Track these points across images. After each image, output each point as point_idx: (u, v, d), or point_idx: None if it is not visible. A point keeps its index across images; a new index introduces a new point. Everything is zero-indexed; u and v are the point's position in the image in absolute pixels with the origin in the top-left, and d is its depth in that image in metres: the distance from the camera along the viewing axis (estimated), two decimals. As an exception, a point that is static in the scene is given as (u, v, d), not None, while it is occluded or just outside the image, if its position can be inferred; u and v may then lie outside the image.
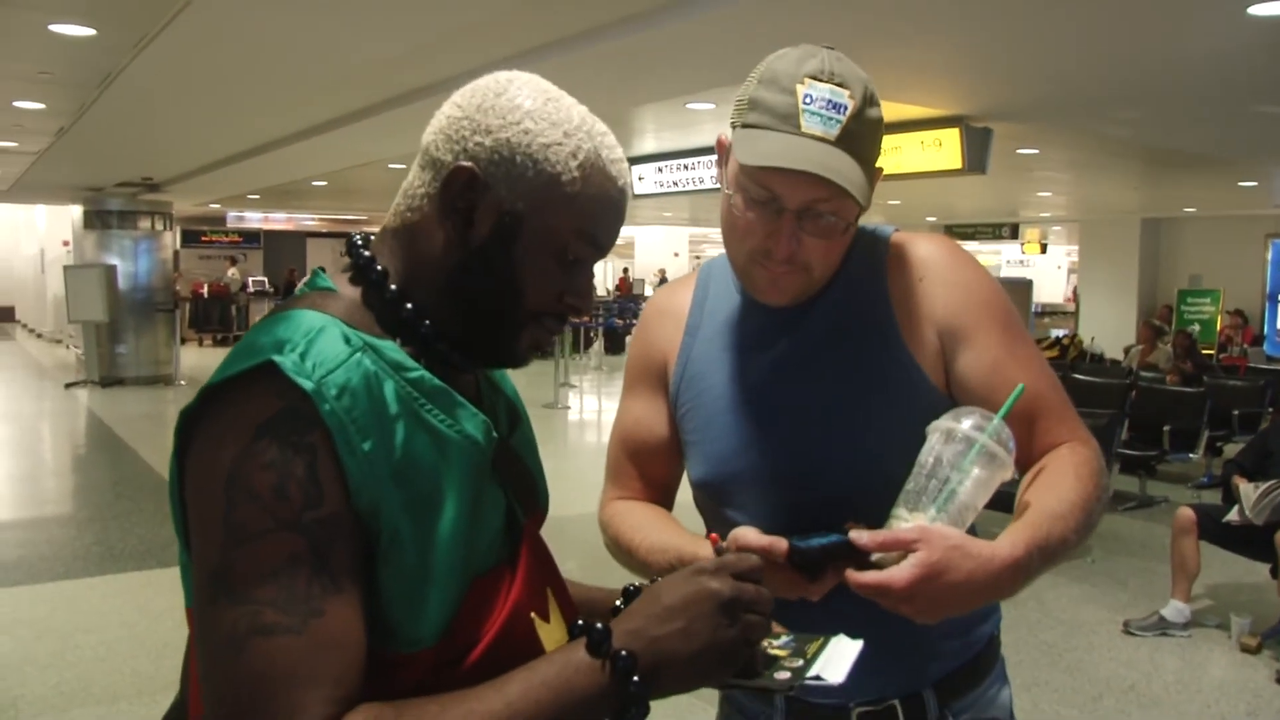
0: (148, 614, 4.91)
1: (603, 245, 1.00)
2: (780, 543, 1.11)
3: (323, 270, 1.02)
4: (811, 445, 1.29)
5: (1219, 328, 15.40)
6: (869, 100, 1.20)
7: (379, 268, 0.98)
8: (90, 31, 5.26)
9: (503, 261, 0.96)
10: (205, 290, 21.65)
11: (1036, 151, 9.41)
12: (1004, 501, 1.19)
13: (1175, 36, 4.85)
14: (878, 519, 1.15)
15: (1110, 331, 15.38)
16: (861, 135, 1.19)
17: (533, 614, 0.99)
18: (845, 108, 1.17)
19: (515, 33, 5.09)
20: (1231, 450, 7.49)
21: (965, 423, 1.11)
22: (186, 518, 0.89)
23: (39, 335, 22.32)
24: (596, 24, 4.95)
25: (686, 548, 1.27)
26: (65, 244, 17.85)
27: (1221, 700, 4.17)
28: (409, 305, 0.97)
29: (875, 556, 1.07)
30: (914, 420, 1.17)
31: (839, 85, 1.18)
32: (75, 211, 14.76)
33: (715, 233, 28.95)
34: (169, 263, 15.11)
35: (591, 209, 0.97)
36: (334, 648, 0.82)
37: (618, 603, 1.13)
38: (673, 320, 1.44)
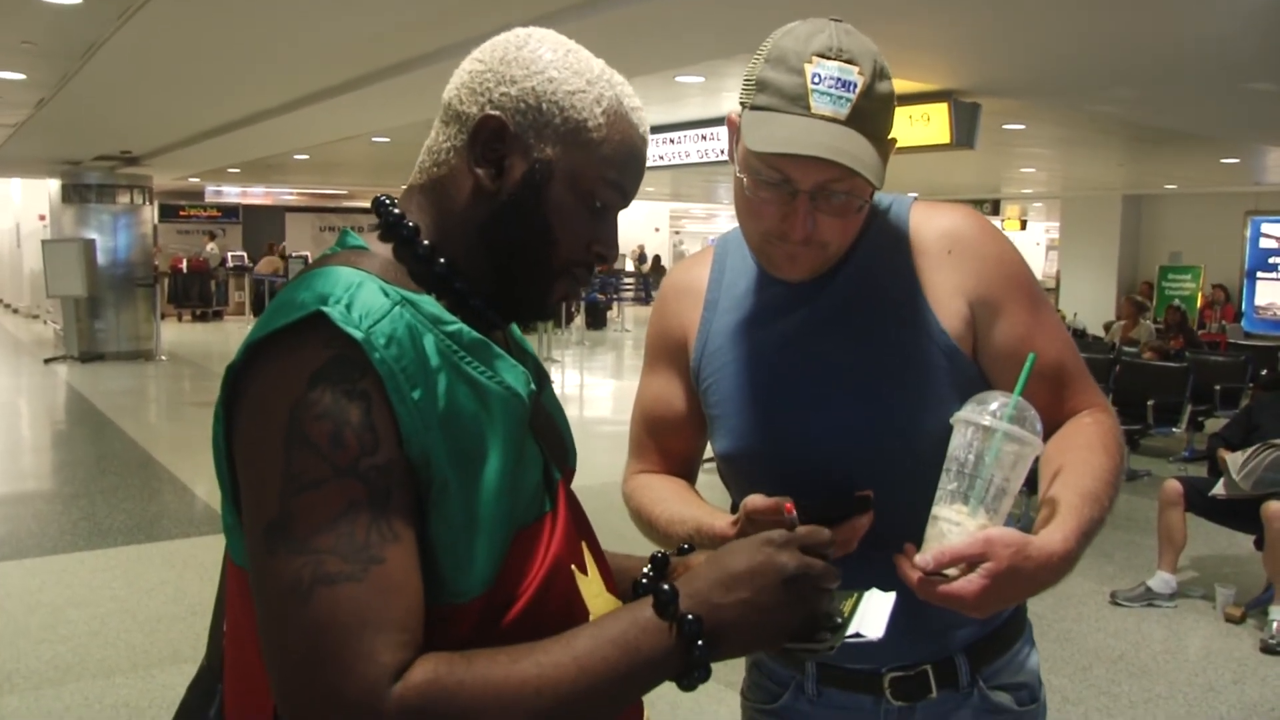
0: (138, 588, 4.89)
1: (628, 192, 1.01)
2: (784, 501, 1.11)
3: (352, 229, 1.02)
4: (836, 415, 1.29)
5: (1199, 304, 15.53)
6: (879, 74, 1.18)
7: (409, 224, 0.98)
8: (76, 1, 5.19)
9: (535, 210, 0.96)
10: (185, 265, 21.47)
11: (1023, 127, 9.43)
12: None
13: (1168, 14, 4.86)
14: (903, 486, 1.16)
15: (1090, 307, 15.50)
16: (872, 112, 1.17)
17: (572, 566, 0.99)
18: (855, 85, 1.16)
19: (501, 7, 5.05)
20: (1214, 425, 7.57)
21: (989, 409, 1.10)
22: (234, 475, 0.89)
23: (15, 310, 22.09)
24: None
25: (705, 519, 1.27)
26: (41, 218, 17.63)
27: (1208, 669, 4.24)
28: (441, 261, 0.97)
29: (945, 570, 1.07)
30: (941, 389, 1.18)
31: (848, 62, 1.16)
32: (52, 185, 14.60)
33: (696, 208, 28.89)
34: (148, 237, 14.97)
35: (617, 155, 0.98)
36: (396, 593, 0.82)
37: (645, 569, 1.14)
38: (690, 297, 1.43)
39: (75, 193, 14.11)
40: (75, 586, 4.96)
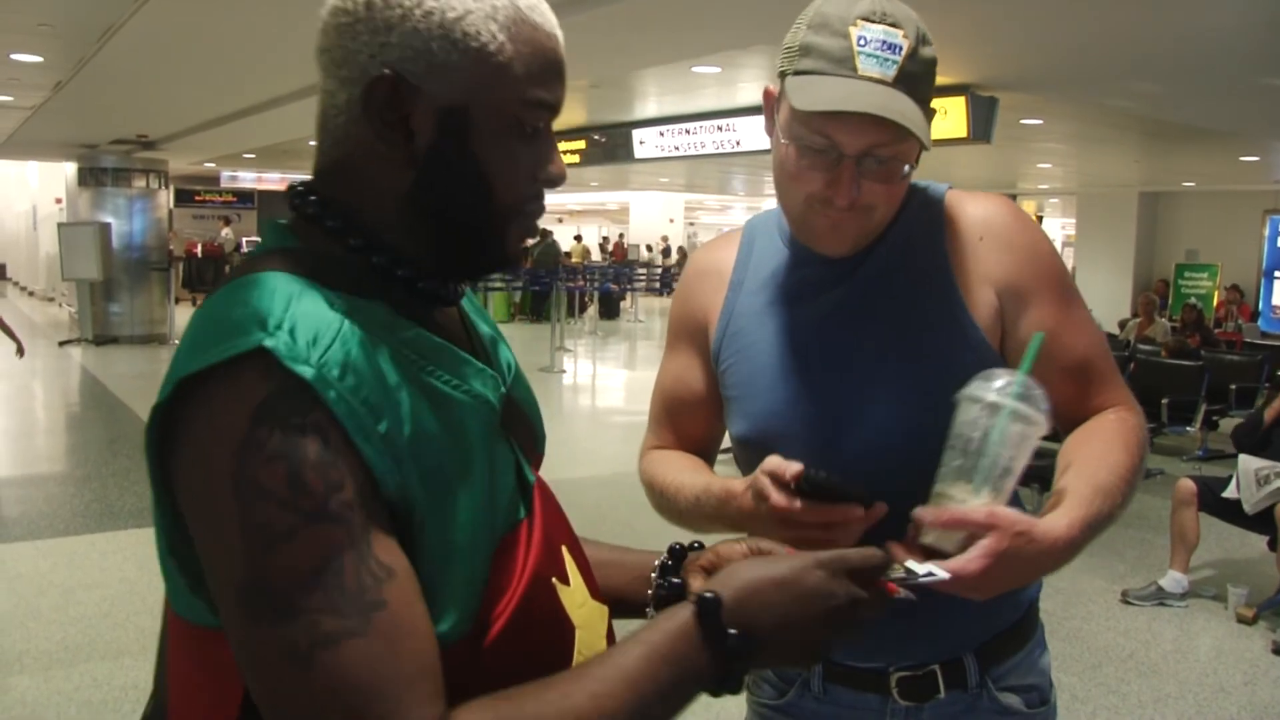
0: (148, 570, 4.90)
1: (555, 103, 0.89)
2: (795, 465, 1.11)
3: (279, 222, 0.91)
4: (859, 400, 1.27)
5: (1216, 303, 15.43)
6: (922, 39, 1.18)
7: (334, 215, 0.88)
8: (93, -17, 5.19)
9: (461, 162, 0.85)
10: (199, 250, 21.55)
11: (1040, 122, 9.37)
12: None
13: (1186, 7, 4.82)
14: (924, 476, 1.14)
15: (1105, 305, 15.42)
16: (917, 75, 1.17)
17: (553, 579, 0.93)
18: (900, 48, 1.15)
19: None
20: (1228, 424, 7.52)
21: (994, 385, 1.09)
22: (176, 522, 0.80)
23: (31, 293, 22.20)
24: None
25: (715, 480, 1.27)
26: (58, 201, 17.71)
27: (1218, 669, 4.21)
28: (378, 251, 0.87)
29: (929, 538, 1.05)
30: (965, 377, 1.17)
31: (892, 25, 1.16)
32: (69, 168, 14.65)
33: (711, 199, 28.82)
34: (164, 221, 15.01)
35: (532, 68, 0.86)
36: (408, 637, 0.75)
37: (661, 560, 1.10)
38: (714, 278, 1.42)
39: (91, 176, 14.16)
40: (86, 568, 4.99)
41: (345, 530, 0.74)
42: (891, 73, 1.15)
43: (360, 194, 0.87)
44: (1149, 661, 4.27)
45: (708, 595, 0.84)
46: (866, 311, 1.29)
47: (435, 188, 0.86)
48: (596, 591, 1.00)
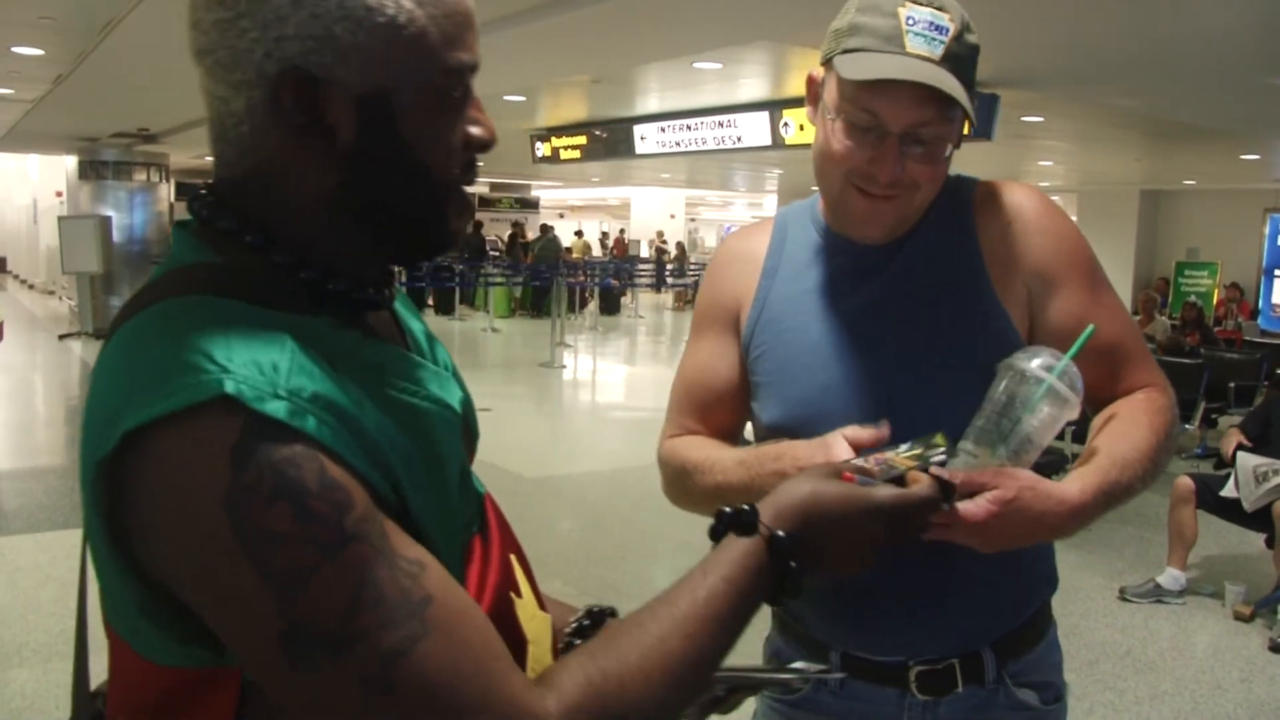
0: (150, 564, 4.91)
1: (475, 63, 0.82)
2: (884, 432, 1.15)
3: (190, 232, 0.82)
4: (892, 389, 1.28)
5: (1216, 301, 15.43)
6: (966, 26, 1.22)
7: (253, 230, 0.80)
8: (94, -24, 5.19)
9: (392, 150, 0.78)
10: (199, 243, 21.48)
11: (1041, 120, 9.36)
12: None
13: (1188, 6, 4.82)
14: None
15: (1106, 302, 15.38)
16: (963, 57, 1.20)
17: (510, 594, 0.90)
18: (947, 30, 1.19)
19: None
20: (1227, 422, 7.54)
21: (1035, 362, 1.12)
22: (141, 577, 0.73)
23: (31, 286, 22.20)
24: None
25: (793, 444, 1.24)
26: (58, 194, 17.70)
27: (1215, 666, 4.23)
28: (306, 271, 0.80)
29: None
30: (994, 363, 1.19)
31: (939, 9, 1.20)
32: (69, 162, 14.63)
33: (712, 194, 28.72)
34: (165, 215, 15.00)
35: (446, 32, 0.78)
36: (465, 620, 0.73)
37: (578, 621, 1.05)
38: (747, 264, 1.42)
39: (92, 169, 14.15)
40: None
41: (368, 545, 0.70)
42: (939, 51, 1.18)
43: (282, 204, 0.80)
44: (1146, 658, 4.28)
45: (779, 534, 0.87)
46: (900, 300, 1.31)
47: (368, 183, 0.79)
48: (542, 602, 0.98)
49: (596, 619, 1.04)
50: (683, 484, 1.38)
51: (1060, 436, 1.16)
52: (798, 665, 1.06)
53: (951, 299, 1.30)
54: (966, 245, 1.31)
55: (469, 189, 0.85)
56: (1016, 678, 1.35)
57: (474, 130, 0.83)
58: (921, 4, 1.19)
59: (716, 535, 0.88)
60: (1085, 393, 1.13)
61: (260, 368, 0.69)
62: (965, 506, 1.05)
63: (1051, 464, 4.91)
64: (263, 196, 0.80)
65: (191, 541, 0.68)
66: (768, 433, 1.39)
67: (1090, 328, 1.17)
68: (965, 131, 1.27)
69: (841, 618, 1.34)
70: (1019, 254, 1.30)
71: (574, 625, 1.04)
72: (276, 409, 0.68)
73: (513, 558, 0.94)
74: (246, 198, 0.80)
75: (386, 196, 0.80)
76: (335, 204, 0.80)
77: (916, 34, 1.18)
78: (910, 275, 1.31)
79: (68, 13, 6.21)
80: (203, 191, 0.83)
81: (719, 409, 1.44)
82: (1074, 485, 1.12)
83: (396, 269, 0.94)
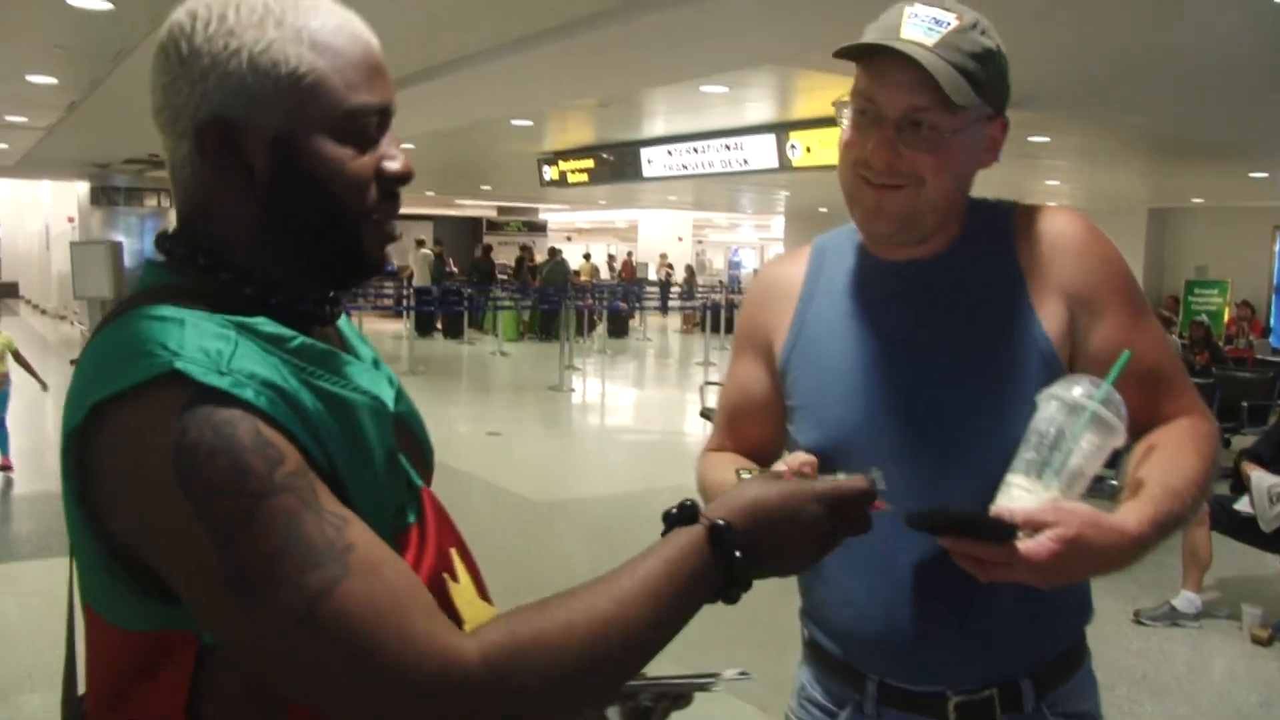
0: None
1: (381, 104, 0.92)
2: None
3: (156, 262, 0.94)
4: (929, 412, 1.28)
5: (1226, 319, 15.39)
6: (978, 27, 1.23)
7: (202, 256, 0.91)
8: (108, 6, 5.25)
9: (299, 183, 0.89)
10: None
11: (1047, 139, 9.37)
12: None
13: (1193, 25, 4.82)
14: (993, 483, 1.16)
15: (1116, 322, 15.34)
16: (962, 48, 1.21)
17: (444, 575, 0.96)
18: (948, 24, 1.21)
19: (520, 13, 5.07)
20: (1241, 442, 7.49)
21: (1076, 390, 1.12)
22: (104, 541, 0.83)
23: (43, 311, 22.31)
24: (610, 6, 4.92)
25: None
26: (70, 220, 17.82)
27: (1233, 691, 4.18)
28: (249, 286, 0.91)
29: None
30: (1034, 388, 1.19)
31: (945, 9, 1.22)
32: (81, 188, 14.77)
33: (719, 217, 28.69)
34: (175, 240, 15.13)
35: (348, 78, 0.89)
36: (386, 566, 0.80)
37: None
38: (783, 291, 1.44)
39: (103, 195, 14.29)
40: (96, 586, 4.99)
41: (297, 496, 0.78)
42: (933, 39, 1.20)
43: (224, 233, 0.91)
44: (1162, 683, 4.23)
45: (720, 523, 0.90)
46: (938, 322, 1.31)
47: (283, 212, 0.90)
48: (484, 591, 1.03)
49: None
50: (701, 498, 1.39)
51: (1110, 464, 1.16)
52: (716, 671, 1.07)
53: (990, 319, 1.29)
54: (1006, 266, 1.31)
55: (388, 220, 0.95)
56: (1054, 708, 1.33)
57: (388, 165, 0.93)
58: (930, 4, 1.22)
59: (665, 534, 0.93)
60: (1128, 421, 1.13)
61: (206, 353, 0.80)
62: (1028, 546, 1.05)
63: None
64: (208, 228, 0.92)
65: (144, 495, 0.79)
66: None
67: (1126, 354, 1.17)
68: (997, 135, 1.30)
69: (878, 646, 1.32)
70: (1060, 277, 1.29)
71: None
72: (220, 382, 0.79)
73: (454, 551, 0.99)
74: (197, 230, 0.93)
75: (300, 224, 0.91)
76: (263, 230, 0.91)
77: (914, 25, 1.21)
78: (947, 296, 1.31)
79: (80, 42, 6.28)
80: (168, 232, 0.95)
81: (753, 428, 1.49)
82: (1130, 517, 1.11)
83: (335, 291, 1.01)
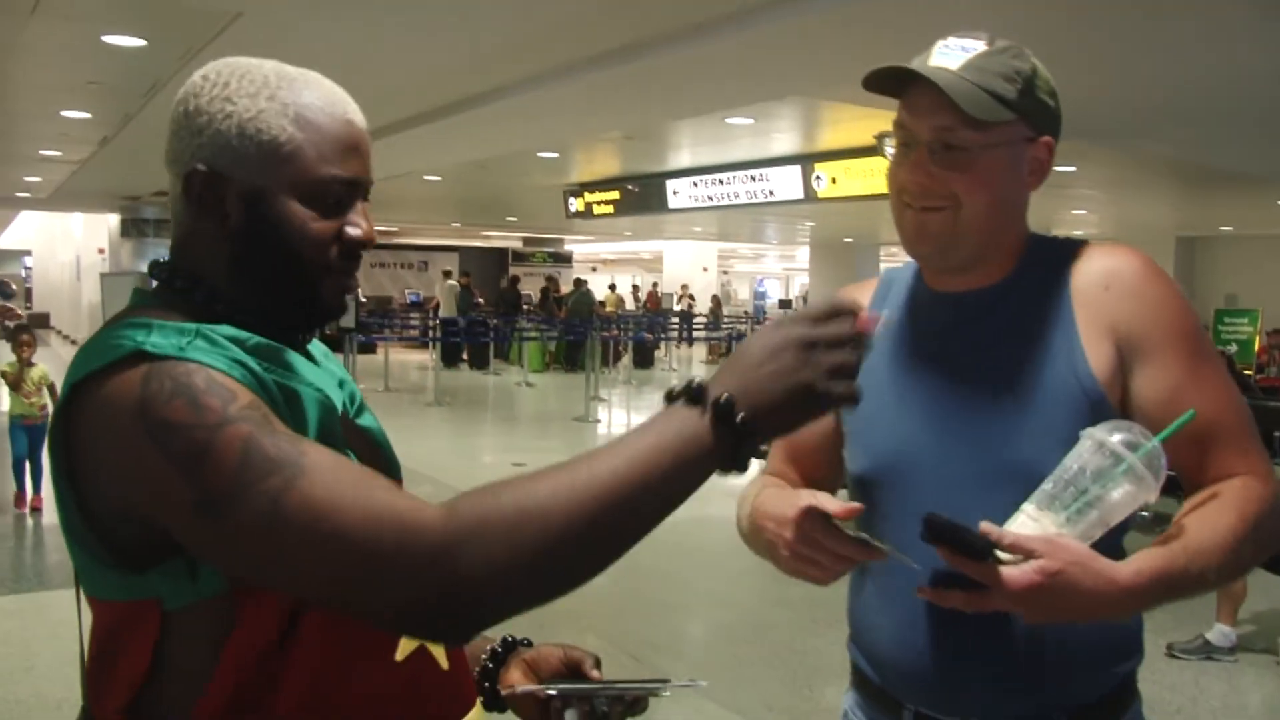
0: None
1: (352, 177, 1.03)
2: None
3: (143, 289, 1.08)
4: (978, 444, 1.28)
5: (1257, 348, 15.22)
6: (1008, 52, 1.25)
7: (180, 279, 1.04)
8: (141, 42, 5.34)
9: (265, 234, 1.01)
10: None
11: (1074, 169, 9.35)
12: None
13: (1221, 52, 4.81)
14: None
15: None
16: (988, 69, 1.22)
17: None
18: (975, 49, 1.23)
19: (548, 51, 5.12)
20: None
21: (1117, 436, 1.10)
22: (91, 506, 0.93)
23: (74, 342, 22.55)
24: (637, 40, 4.97)
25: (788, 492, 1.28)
26: (101, 251, 18.06)
27: (1269, 726, 4.10)
28: (219, 305, 1.02)
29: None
30: (1077, 426, 1.16)
31: (975, 38, 1.25)
32: (112, 220, 14.97)
33: (743, 248, 28.52)
34: (204, 272, 15.29)
35: (323, 152, 1.01)
36: (343, 464, 0.89)
37: (492, 648, 1.21)
38: None
39: (134, 227, 14.49)
40: (124, 616, 5.01)
41: (250, 424, 0.87)
42: (957, 63, 1.22)
43: (201, 264, 1.04)
44: (1196, 717, 4.16)
45: (691, 383, 0.90)
46: (989, 355, 1.30)
47: (249, 256, 1.02)
48: None
49: (509, 647, 1.22)
50: (745, 525, 1.39)
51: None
52: (666, 678, 1.10)
53: (1036, 354, 1.27)
54: (1059, 302, 1.28)
55: (347, 276, 1.06)
56: None
57: (350, 230, 1.04)
58: (964, 35, 1.25)
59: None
60: (1177, 473, 1.11)
61: (169, 340, 0.92)
62: (1008, 571, 1.04)
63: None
64: (192, 258, 1.05)
65: (117, 447, 0.89)
66: (855, 482, 1.40)
67: (1190, 413, 1.13)
68: (1041, 156, 1.30)
69: (911, 675, 1.31)
70: (1110, 316, 1.26)
71: (488, 650, 1.21)
72: (175, 353, 0.90)
73: None
74: (182, 259, 1.06)
75: (263, 269, 1.02)
76: (232, 268, 1.03)
77: (943, 53, 1.24)
78: (998, 329, 1.31)
79: (114, 78, 6.39)
80: (159, 262, 1.08)
81: (807, 459, 1.48)
82: (1130, 566, 1.08)
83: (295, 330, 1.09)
